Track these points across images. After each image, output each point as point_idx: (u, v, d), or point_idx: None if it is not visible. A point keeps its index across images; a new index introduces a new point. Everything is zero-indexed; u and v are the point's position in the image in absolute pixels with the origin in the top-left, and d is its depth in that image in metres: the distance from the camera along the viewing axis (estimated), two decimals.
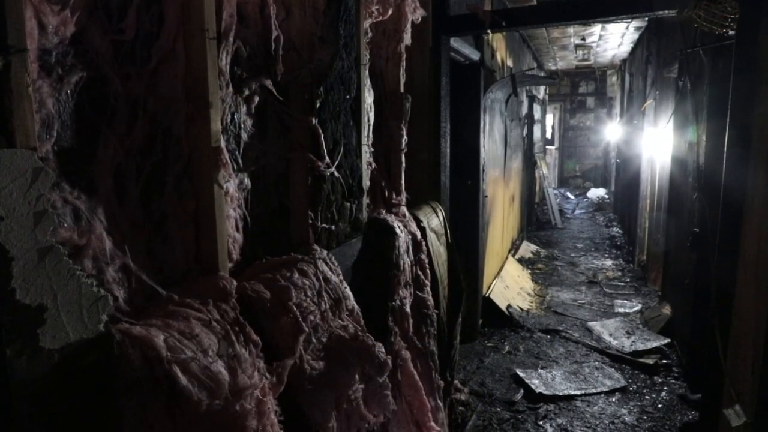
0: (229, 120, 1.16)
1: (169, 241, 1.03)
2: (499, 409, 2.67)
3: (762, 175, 1.60)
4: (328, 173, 1.45)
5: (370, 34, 1.71)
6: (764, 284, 1.53)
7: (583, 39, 5.79)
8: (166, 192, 1.02)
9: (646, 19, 4.49)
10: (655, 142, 4.37)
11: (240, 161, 1.20)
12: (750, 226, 1.68)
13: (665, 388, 2.87)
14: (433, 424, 1.71)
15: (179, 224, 1.05)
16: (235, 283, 1.09)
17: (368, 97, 1.72)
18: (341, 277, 1.40)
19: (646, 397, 2.79)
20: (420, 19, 2.00)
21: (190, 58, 1.03)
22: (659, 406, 2.69)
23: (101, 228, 0.89)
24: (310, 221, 1.41)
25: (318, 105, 1.38)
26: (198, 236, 1.08)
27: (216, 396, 0.95)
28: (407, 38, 1.95)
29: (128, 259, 0.94)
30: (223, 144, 1.08)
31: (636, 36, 5.65)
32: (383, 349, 1.35)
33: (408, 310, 1.78)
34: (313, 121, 1.36)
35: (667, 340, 3.34)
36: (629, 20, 4.30)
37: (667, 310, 3.66)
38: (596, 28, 5.13)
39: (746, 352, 1.65)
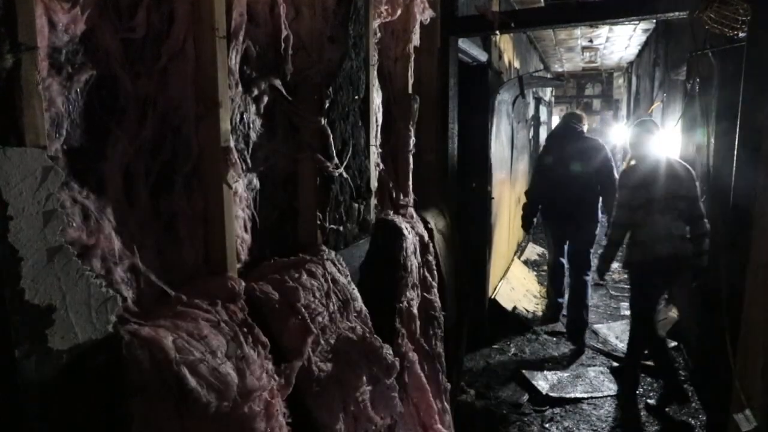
0: (238, 120, 1.15)
1: (178, 241, 1.03)
2: (505, 411, 2.65)
3: None
4: (337, 174, 1.44)
5: (379, 35, 1.70)
6: None
7: (590, 41, 5.76)
8: (175, 192, 1.02)
9: (654, 21, 4.47)
10: (663, 145, 4.34)
11: (249, 161, 1.19)
12: (761, 228, 1.66)
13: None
14: (439, 426, 1.69)
15: (188, 224, 1.04)
16: (243, 283, 1.09)
17: (377, 98, 1.71)
18: (349, 278, 1.39)
19: (652, 400, 2.76)
20: (428, 20, 1.99)
21: (200, 58, 1.02)
22: (666, 409, 2.67)
23: (110, 228, 0.89)
24: (319, 222, 1.40)
25: (327, 105, 1.37)
26: (207, 236, 1.08)
27: (224, 398, 0.95)
28: (416, 39, 1.94)
29: (137, 259, 0.94)
30: (232, 144, 1.08)
31: (643, 38, 5.62)
32: (391, 351, 1.34)
33: (415, 311, 1.77)
34: (322, 121, 1.36)
35: (674, 344, 3.31)
36: (637, 22, 4.27)
37: (673, 313, 3.63)
38: (603, 30, 5.11)
39: (756, 355, 1.63)
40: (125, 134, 0.91)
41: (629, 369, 2.74)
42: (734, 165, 1.82)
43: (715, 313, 1.96)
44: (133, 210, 0.94)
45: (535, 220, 3.69)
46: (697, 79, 2.91)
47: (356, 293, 1.39)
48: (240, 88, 1.13)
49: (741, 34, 1.93)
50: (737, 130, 1.80)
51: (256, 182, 1.22)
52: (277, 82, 1.24)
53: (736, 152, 1.80)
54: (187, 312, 0.97)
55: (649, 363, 3.10)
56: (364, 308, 1.41)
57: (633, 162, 2.75)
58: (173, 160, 1.00)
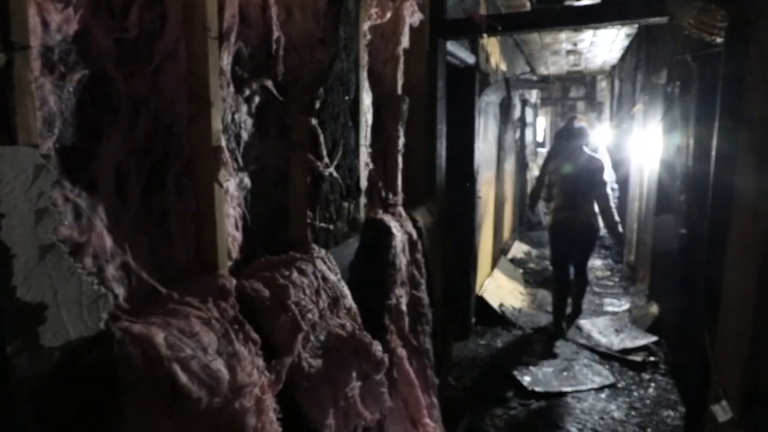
0: (229, 119, 1.16)
1: (170, 240, 1.03)
2: (491, 406, 2.69)
3: (751, 176, 1.64)
4: (327, 173, 1.45)
5: (369, 37, 1.72)
6: (751, 282, 1.57)
7: (575, 45, 5.85)
8: (167, 190, 1.02)
9: (636, 26, 4.57)
10: (644, 146, 4.45)
11: (240, 160, 1.20)
12: (737, 226, 1.73)
13: (652, 384, 2.93)
14: (428, 420, 1.72)
15: (179, 222, 1.05)
16: (234, 281, 1.10)
17: (366, 99, 1.73)
18: (339, 276, 1.41)
19: (634, 393, 2.84)
20: (417, 23, 2.02)
21: (192, 58, 1.03)
22: (647, 401, 2.75)
23: (102, 226, 0.89)
24: (309, 220, 1.42)
25: (318, 106, 1.39)
26: (198, 234, 1.08)
27: (216, 394, 0.96)
28: (405, 41, 1.96)
29: (128, 257, 0.94)
30: (223, 143, 1.09)
31: (626, 43, 5.73)
32: (380, 348, 1.36)
33: (404, 308, 1.80)
34: (313, 121, 1.37)
35: (655, 338, 3.40)
36: (620, 26, 4.37)
37: (654, 308, 3.72)
38: (587, 35, 5.20)
39: (734, 348, 1.69)
40: (117, 133, 0.92)
41: (556, 295, 3.67)
42: (712, 165, 1.88)
43: (695, 307, 2.03)
44: (124, 208, 0.94)
45: (541, 203, 4.42)
46: (677, 83, 2.99)
47: (346, 290, 1.41)
48: (232, 89, 1.14)
49: (719, 40, 2.00)
50: (715, 131, 1.86)
51: (247, 181, 1.23)
52: (269, 83, 1.25)
53: (714, 153, 1.87)
54: (178, 309, 0.98)
55: (633, 358, 3.20)
56: (353, 305, 1.43)
57: (555, 152, 3.66)
58: (165, 158, 1.01)
